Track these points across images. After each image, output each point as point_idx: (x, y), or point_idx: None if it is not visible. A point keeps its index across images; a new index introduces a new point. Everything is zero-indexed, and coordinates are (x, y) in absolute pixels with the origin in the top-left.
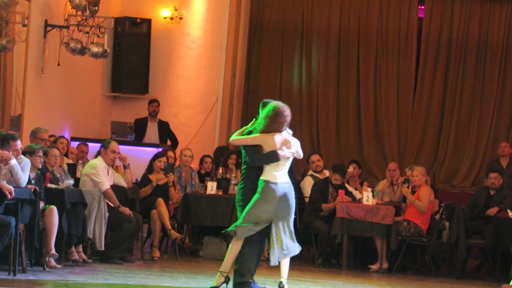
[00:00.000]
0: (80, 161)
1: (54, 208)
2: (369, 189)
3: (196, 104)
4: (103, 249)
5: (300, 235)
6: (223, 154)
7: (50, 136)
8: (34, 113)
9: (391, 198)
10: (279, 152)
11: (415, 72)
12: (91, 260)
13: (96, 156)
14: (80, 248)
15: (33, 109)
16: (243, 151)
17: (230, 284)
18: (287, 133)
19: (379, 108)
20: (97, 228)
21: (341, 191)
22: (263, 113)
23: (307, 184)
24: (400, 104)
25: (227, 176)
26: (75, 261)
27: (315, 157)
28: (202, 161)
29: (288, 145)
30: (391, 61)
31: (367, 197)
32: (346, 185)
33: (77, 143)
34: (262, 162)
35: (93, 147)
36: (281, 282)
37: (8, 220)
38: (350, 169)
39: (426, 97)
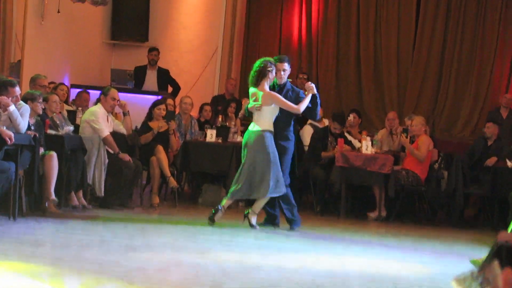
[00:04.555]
0: (80, 108)
1: (54, 154)
2: (368, 138)
3: (196, 52)
4: (102, 195)
5: (299, 182)
6: (219, 103)
7: (50, 83)
8: (33, 59)
9: (390, 147)
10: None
11: (415, 19)
12: (90, 206)
13: (96, 103)
14: (80, 194)
15: (33, 55)
16: None
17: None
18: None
19: (379, 56)
20: (96, 174)
21: (340, 140)
22: None
23: (307, 133)
24: (400, 52)
25: (227, 124)
26: (74, 206)
27: None
28: (201, 109)
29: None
30: (391, 8)
31: (366, 146)
32: (346, 134)
33: (77, 90)
34: None
35: (93, 94)
36: (247, 212)
37: (7, 166)
38: (350, 117)
39: (426, 45)
